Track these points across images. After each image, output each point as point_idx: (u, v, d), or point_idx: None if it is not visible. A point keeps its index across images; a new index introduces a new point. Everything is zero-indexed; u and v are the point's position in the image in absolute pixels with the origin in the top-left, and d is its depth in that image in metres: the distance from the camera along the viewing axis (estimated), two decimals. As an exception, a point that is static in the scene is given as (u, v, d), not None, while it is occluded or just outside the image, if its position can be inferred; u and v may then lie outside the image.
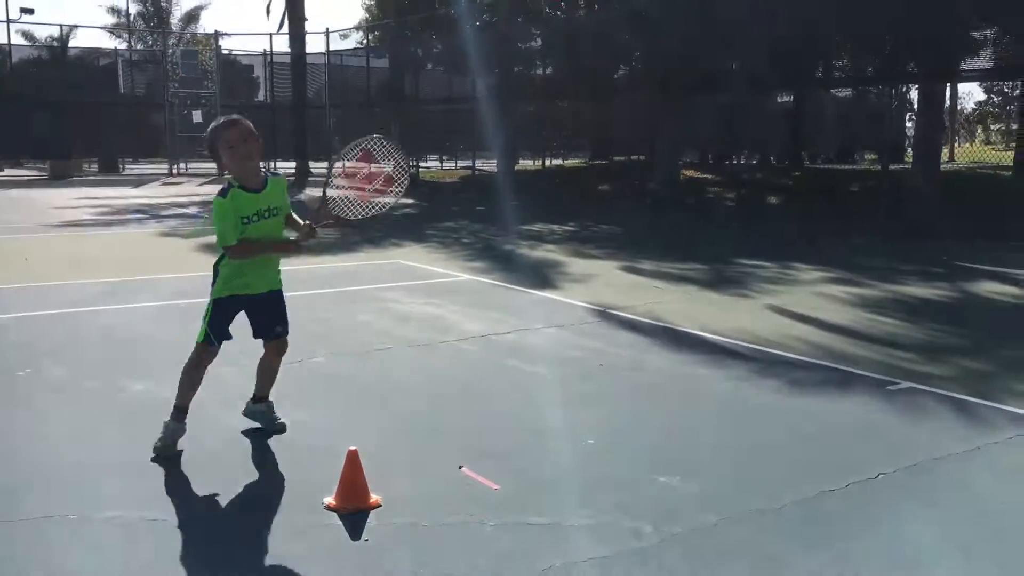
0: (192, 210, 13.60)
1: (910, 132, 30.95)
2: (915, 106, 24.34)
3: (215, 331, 4.27)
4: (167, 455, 4.09)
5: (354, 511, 3.54)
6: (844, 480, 3.92)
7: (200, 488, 3.79)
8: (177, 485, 3.81)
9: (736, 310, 8.03)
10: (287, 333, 4.50)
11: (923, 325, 7.41)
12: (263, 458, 4.15)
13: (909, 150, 27.29)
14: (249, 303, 4.33)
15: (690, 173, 24.05)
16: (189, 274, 9.71)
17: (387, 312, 7.62)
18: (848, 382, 5.55)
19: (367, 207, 4.28)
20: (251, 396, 4.57)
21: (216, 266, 4.29)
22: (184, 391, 4.26)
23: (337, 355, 6.08)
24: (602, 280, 9.72)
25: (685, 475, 3.99)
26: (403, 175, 4.42)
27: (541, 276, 9.87)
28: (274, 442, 4.35)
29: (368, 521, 3.49)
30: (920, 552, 3.29)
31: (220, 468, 4.01)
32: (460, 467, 4.06)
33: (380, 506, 3.61)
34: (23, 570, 3.06)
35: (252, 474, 3.96)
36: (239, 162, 4.10)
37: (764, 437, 4.56)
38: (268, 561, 3.16)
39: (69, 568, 3.09)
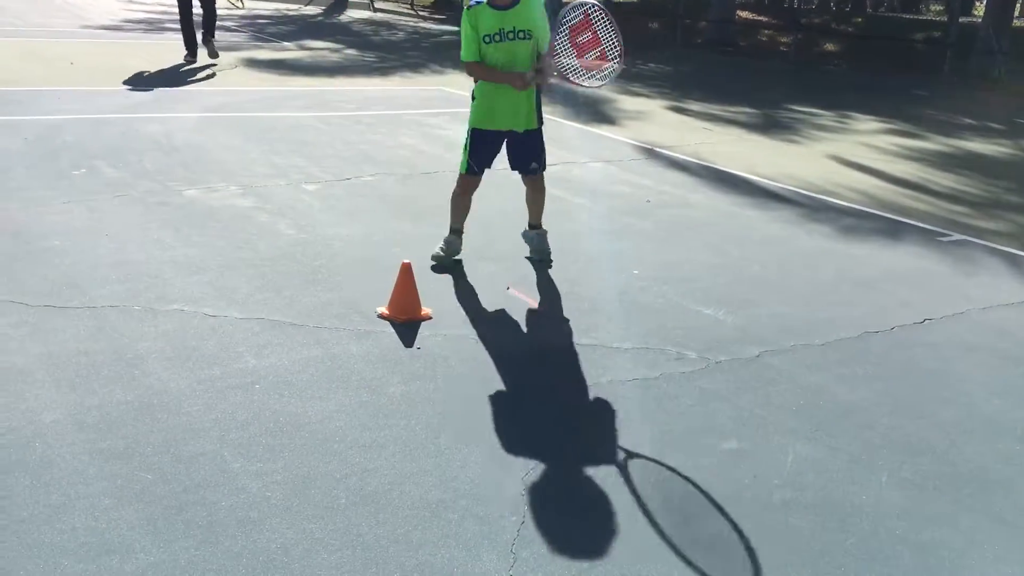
0: (229, 24, 13.30)
1: (983, -17, 29.17)
2: (993, -46, 22.79)
3: (475, 160, 4.23)
4: (444, 263, 4.29)
5: (406, 321, 3.64)
6: (888, 323, 3.95)
7: (257, 291, 3.89)
8: (235, 286, 3.92)
9: (787, 155, 7.87)
10: (542, 169, 4.34)
11: (980, 180, 7.24)
12: (319, 267, 4.23)
13: (978, 3, 25.84)
14: (502, 138, 4.23)
15: (745, 15, 23.02)
16: (232, 87, 9.63)
17: (432, 137, 7.55)
18: (900, 231, 5.49)
19: (582, 75, 3.97)
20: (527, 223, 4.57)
21: (473, 92, 4.19)
22: (455, 215, 4.35)
23: (385, 175, 6.08)
24: (650, 119, 9.51)
25: (730, 309, 4.03)
26: (617, 54, 3.91)
27: (588, 111, 9.67)
28: (329, 253, 4.43)
29: (420, 331, 3.59)
30: (962, 393, 3.35)
31: (277, 274, 4.10)
32: (507, 287, 4.14)
33: (430, 318, 3.70)
34: (92, 352, 3.21)
35: (308, 281, 4.05)
36: None
37: (811, 278, 4.57)
38: (325, 359, 3.28)
39: (137, 353, 3.23)
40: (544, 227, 4.49)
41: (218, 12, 11.63)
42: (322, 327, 3.57)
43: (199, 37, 11.09)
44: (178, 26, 11.43)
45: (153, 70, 10.70)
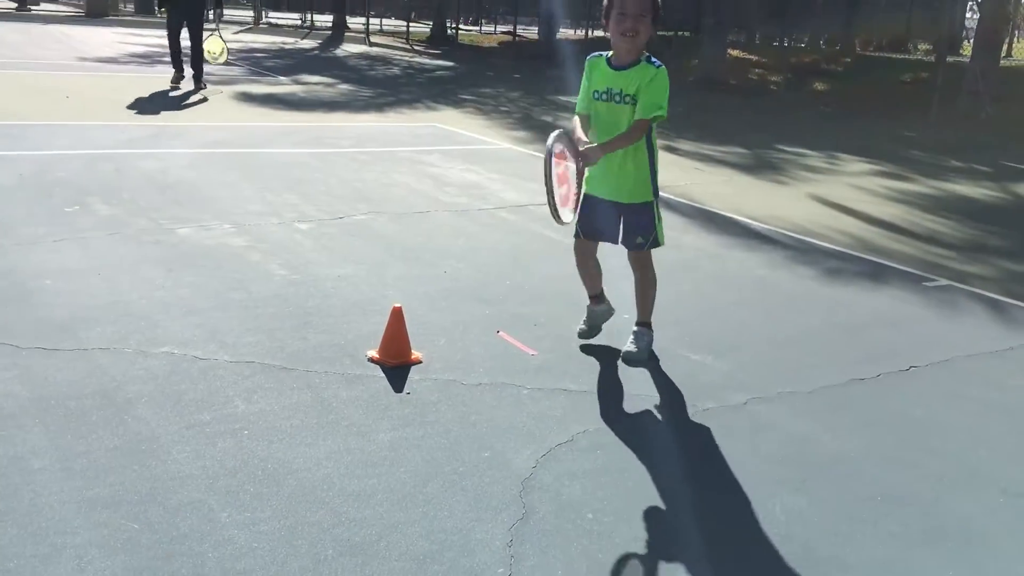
0: (223, 59, 13.54)
1: (968, 23, 29.65)
2: (979, -4, 23.16)
3: (580, 222, 3.90)
4: (588, 337, 4.08)
5: (396, 365, 3.66)
6: (875, 370, 3.98)
7: (248, 333, 3.90)
8: (226, 328, 3.93)
9: (775, 196, 7.95)
10: (650, 245, 3.89)
11: (966, 224, 7.33)
12: (310, 308, 4.25)
13: (965, 42, 26.24)
14: (614, 210, 3.85)
15: (736, 53, 23.32)
16: (228, 123, 9.70)
17: (425, 175, 7.61)
18: (885, 275, 5.55)
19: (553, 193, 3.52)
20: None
21: None
22: (585, 284, 4.10)
23: (378, 214, 6.12)
24: (641, 157, 9.59)
25: (717, 355, 4.06)
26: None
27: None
28: (321, 295, 4.45)
29: (410, 375, 3.61)
30: (947, 443, 3.37)
31: (268, 316, 4.12)
32: (498, 331, 4.16)
33: (421, 362, 3.72)
34: (81, 396, 3.21)
35: (299, 323, 4.06)
36: (615, 35, 3.66)
37: (797, 323, 4.61)
38: (315, 404, 3.29)
39: (126, 397, 3.23)
40: (652, 328, 4.01)
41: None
42: (312, 371, 3.58)
43: (188, 70, 12.00)
44: (203, 66, 12.20)
45: (149, 104, 10.78)
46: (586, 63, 3.81)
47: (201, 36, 11.98)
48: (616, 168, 3.76)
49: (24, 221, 5.31)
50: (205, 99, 11.37)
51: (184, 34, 11.72)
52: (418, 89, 15.29)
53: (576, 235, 4.02)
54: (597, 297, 4.12)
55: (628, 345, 3.98)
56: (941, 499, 2.96)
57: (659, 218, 3.90)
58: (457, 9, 31.31)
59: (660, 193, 3.92)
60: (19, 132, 8.17)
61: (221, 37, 13.03)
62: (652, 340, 4.03)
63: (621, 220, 3.87)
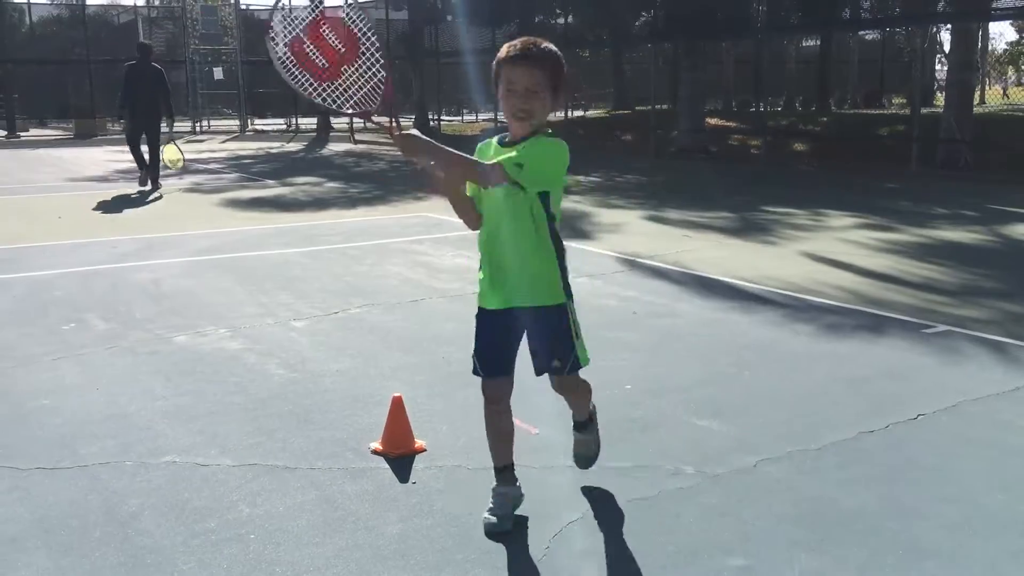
0: (213, 166, 13.92)
1: (939, 75, 30.39)
2: (945, 48, 23.85)
3: (477, 355, 3.12)
4: (498, 530, 3.01)
5: (400, 455, 3.62)
6: (883, 421, 3.95)
7: (249, 436, 3.87)
8: (227, 432, 3.90)
9: (766, 257, 8.00)
10: (570, 368, 3.04)
11: (958, 269, 7.36)
12: (309, 405, 4.22)
13: (938, 93, 26.83)
14: (515, 322, 3.06)
15: (714, 121, 23.77)
16: (219, 229, 9.81)
17: (418, 264, 7.66)
18: (884, 326, 5.55)
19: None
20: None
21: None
22: (491, 447, 3.19)
23: (373, 306, 6.14)
24: (629, 229, 9.70)
25: (723, 419, 4.03)
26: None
27: (568, 227, 9.86)
28: (320, 391, 4.43)
29: (414, 464, 3.56)
30: (963, 489, 3.32)
31: (268, 416, 4.09)
32: (500, 413, 4.12)
33: (425, 451, 3.68)
34: (84, 513, 3.16)
35: (300, 421, 4.03)
36: (505, 113, 2.93)
37: (801, 381, 4.58)
38: (320, 502, 3.24)
39: (129, 511, 3.18)
40: (595, 421, 3.38)
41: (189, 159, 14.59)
42: (316, 468, 3.54)
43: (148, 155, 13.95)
44: (162, 173, 12.93)
45: (141, 218, 10.92)
46: (476, 151, 2.99)
47: (158, 143, 13.90)
48: (517, 268, 2.98)
49: (21, 342, 5.32)
50: (161, 196, 12.86)
51: (145, 145, 13.84)
52: (405, 181, 15.50)
53: (476, 371, 3.10)
54: (508, 470, 3.12)
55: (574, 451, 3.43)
56: (963, 547, 2.90)
57: (577, 331, 3.03)
58: (438, 101, 31.99)
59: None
60: (13, 255, 8.24)
61: (176, 145, 14.53)
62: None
63: (530, 334, 3.05)
